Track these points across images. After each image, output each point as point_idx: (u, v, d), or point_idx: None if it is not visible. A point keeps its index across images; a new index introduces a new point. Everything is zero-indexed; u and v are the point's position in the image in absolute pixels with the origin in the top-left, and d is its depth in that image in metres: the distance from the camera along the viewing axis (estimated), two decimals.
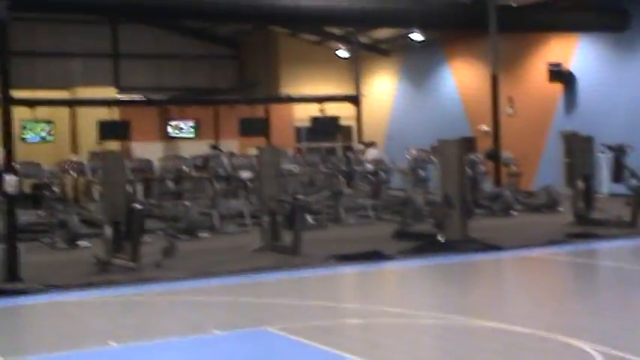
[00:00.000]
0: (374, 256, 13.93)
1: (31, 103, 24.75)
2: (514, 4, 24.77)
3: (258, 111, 29.18)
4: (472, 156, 21.53)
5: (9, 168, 12.55)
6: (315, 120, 29.09)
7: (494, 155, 22.45)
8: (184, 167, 20.03)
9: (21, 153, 15.44)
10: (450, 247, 14.47)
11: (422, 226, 16.60)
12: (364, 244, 14.93)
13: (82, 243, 16.22)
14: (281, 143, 26.35)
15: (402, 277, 13.29)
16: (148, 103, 29.29)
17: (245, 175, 20.09)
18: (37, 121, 25.68)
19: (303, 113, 30.46)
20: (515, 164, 23.03)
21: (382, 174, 21.94)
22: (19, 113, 19.86)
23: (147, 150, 26.30)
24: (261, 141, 26.70)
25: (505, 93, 24.85)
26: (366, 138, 28.80)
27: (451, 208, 14.83)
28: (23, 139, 24.93)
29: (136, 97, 29.73)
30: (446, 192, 14.99)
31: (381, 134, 31.62)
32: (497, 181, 22.03)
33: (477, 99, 27.37)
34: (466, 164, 16.83)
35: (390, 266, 13.69)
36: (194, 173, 20.32)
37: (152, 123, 29.10)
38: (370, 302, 10.66)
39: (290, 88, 32.52)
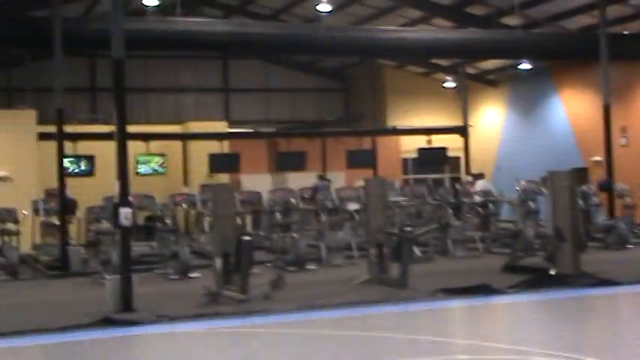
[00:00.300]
0: (483, 289, 13.70)
1: (145, 138, 25.44)
2: (625, 32, 24.18)
3: (365, 143, 29.24)
4: (584, 187, 21.02)
5: (124, 201, 12.91)
6: (422, 151, 28.96)
7: (607, 186, 21.86)
8: (292, 199, 20.20)
9: (135, 185, 15.85)
10: (562, 282, 14.10)
11: (532, 260, 16.22)
12: (473, 277, 14.70)
13: (193, 274, 16.53)
14: (388, 175, 26.28)
15: (513, 312, 13.01)
16: (257, 135, 29.73)
17: (352, 206, 20.15)
18: (150, 154, 26.37)
19: (410, 145, 30.38)
20: (630, 196, 22.33)
21: (491, 206, 21.63)
22: (133, 147, 20.46)
23: (256, 182, 26.68)
24: (368, 173, 26.71)
25: (618, 122, 24.17)
26: (474, 169, 28.44)
27: (563, 240, 14.47)
28: (137, 172, 25.61)
29: (246, 130, 30.24)
30: (557, 224, 14.65)
31: (489, 165, 31.19)
32: (611, 213, 21.41)
33: (588, 129, 26.73)
34: (578, 196, 16.42)
35: (499, 301, 13.42)
36: (302, 205, 20.47)
37: (261, 155, 29.53)
38: (480, 338, 10.46)
39: (397, 120, 32.49)
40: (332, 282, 15.31)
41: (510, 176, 24.18)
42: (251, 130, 30.11)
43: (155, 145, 26.51)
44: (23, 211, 19.85)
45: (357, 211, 19.76)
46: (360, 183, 19.56)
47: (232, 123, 31.02)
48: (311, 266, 17.58)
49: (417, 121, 31.79)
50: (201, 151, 27.10)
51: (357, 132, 30.25)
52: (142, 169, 26.31)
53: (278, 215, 19.73)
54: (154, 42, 21.26)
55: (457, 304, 13.23)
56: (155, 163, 26.88)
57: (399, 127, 31.28)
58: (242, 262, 13.25)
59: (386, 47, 23.66)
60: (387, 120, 32.97)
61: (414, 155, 29.84)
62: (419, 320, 12.14)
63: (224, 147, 27.67)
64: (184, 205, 21.13)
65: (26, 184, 22.20)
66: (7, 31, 18.64)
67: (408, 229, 14.79)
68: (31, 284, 17.35)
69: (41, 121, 23.39)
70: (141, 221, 21.78)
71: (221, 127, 29.30)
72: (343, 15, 27.90)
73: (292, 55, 31.92)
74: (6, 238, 19.24)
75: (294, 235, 18.37)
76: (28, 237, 20.27)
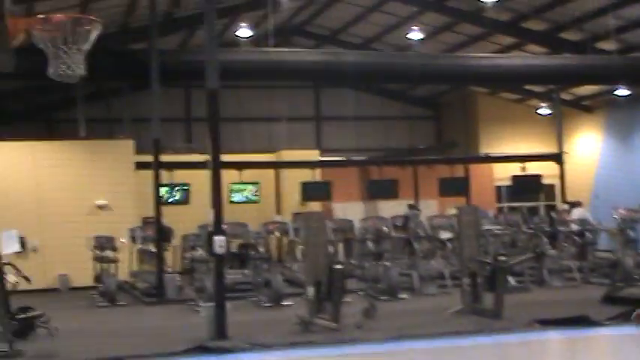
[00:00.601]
0: (581, 321, 13.33)
1: (238, 166, 25.76)
2: None
3: (458, 170, 28.95)
4: None
5: (218, 229, 13.08)
6: (516, 179, 28.52)
7: None
8: (384, 227, 20.12)
9: (229, 214, 16.04)
10: None
11: (632, 290, 15.74)
12: (570, 308, 14.35)
13: (286, 302, 16.60)
14: (481, 203, 25.97)
15: (612, 345, 12.63)
16: (349, 163, 29.79)
17: (445, 235, 19.96)
18: (244, 183, 26.69)
19: (504, 172, 29.96)
20: None
21: (588, 234, 21.13)
22: (227, 176, 20.75)
23: (347, 210, 26.71)
24: (460, 200, 26.44)
25: None
26: (570, 197, 27.82)
27: None
28: (231, 200, 25.92)
29: (337, 158, 30.35)
30: None
31: (585, 193, 30.46)
32: None
33: None
34: None
35: (598, 333, 13.05)
36: (394, 233, 20.38)
37: (353, 183, 29.56)
38: None
39: (490, 147, 32.12)
40: (424, 311, 15.17)
41: (608, 204, 23.55)
42: (343, 159, 30.20)
43: (248, 174, 26.82)
44: (121, 239, 20.33)
45: (449, 239, 19.56)
46: (453, 211, 19.39)
47: (324, 151, 31.19)
48: (403, 295, 17.46)
49: (511, 148, 31.36)
50: (294, 179, 27.28)
51: (449, 159, 29.96)
52: (236, 197, 26.60)
53: (370, 243, 19.67)
54: (247, 72, 21.56)
55: (554, 336, 12.92)
56: (248, 191, 27.17)
57: (492, 155, 30.90)
58: (334, 290, 13.25)
59: (478, 74, 23.45)
60: (480, 147, 32.63)
61: (508, 183, 29.40)
62: (514, 352, 11.90)
63: (316, 175, 27.81)
64: (277, 234, 21.27)
65: (124, 212, 22.72)
66: (108, 64, 19.19)
67: (503, 258, 14.55)
68: (128, 311, 17.73)
69: (138, 150, 23.95)
70: (234, 249, 22.00)
71: (313, 155, 29.47)
72: (435, 42, 27.85)
73: (384, 83, 31.98)
74: (105, 266, 19.73)
75: (387, 263, 18.29)
76: (125, 264, 20.74)
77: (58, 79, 8.17)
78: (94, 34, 8.03)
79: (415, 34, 26.90)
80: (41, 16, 7.65)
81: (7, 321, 11.99)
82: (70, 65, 7.97)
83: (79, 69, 8.04)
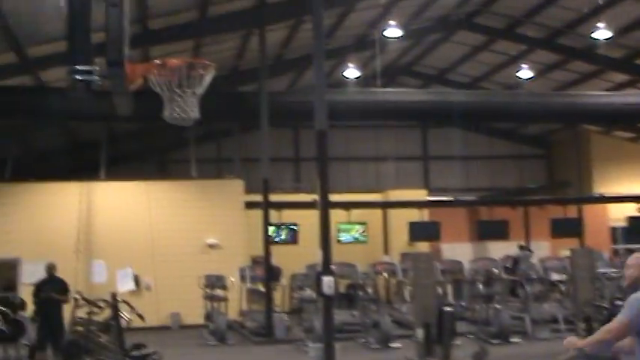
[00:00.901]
0: None
1: (346, 206, 25.81)
2: None
3: (570, 211, 28.27)
4: None
5: (327, 269, 13.08)
6: (632, 220, 27.62)
7: None
8: (494, 269, 19.76)
9: (336, 254, 16.06)
10: None
11: None
12: None
13: (394, 344, 16.43)
14: (595, 244, 25.24)
15: None
16: (457, 203, 29.49)
17: (557, 277, 19.46)
18: (351, 222, 26.72)
19: (619, 213, 29.06)
20: None
21: None
22: (335, 215, 20.84)
23: (456, 251, 26.39)
24: (573, 242, 25.77)
25: None
26: None
27: None
28: (339, 240, 25.97)
29: (446, 198, 30.08)
30: None
31: None
32: None
33: None
34: None
35: None
36: (504, 275, 19.99)
37: (461, 224, 29.23)
38: None
39: (603, 187, 31.23)
40: (537, 356, 14.76)
41: None
42: (451, 198, 29.91)
43: (356, 214, 26.85)
44: (231, 278, 20.58)
45: (562, 282, 19.04)
46: (566, 253, 18.90)
47: (432, 191, 30.96)
48: (515, 339, 17.03)
49: (626, 188, 30.40)
50: (402, 219, 27.14)
51: (561, 200, 29.30)
52: (344, 237, 26.66)
53: (480, 285, 19.34)
54: (355, 112, 21.71)
55: None
56: (356, 231, 27.18)
57: (606, 195, 30.04)
58: (444, 333, 13.06)
59: (591, 112, 22.97)
60: (594, 187, 31.77)
61: (624, 224, 28.50)
62: None
63: (424, 215, 27.61)
64: (385, 274, 21.17)
65: (234, 251, 23.01)
66: (219, 106, 19.63)
67: (620, 302, 14.05)
68: (238, 350, 17.88)
69: (248, 190, 24.29)
70: (342, 289, 21.98)
71: (421, 195, 29.30)
72: (545, 80, 27.43)
73: (492, 122, 31.61)
74: (215, 304, 19.99)
75: (497, 306, 17.91)
76: (235, 303, 20.96)
77: (173, 122, 8.38)
78: (208, 78, 8.22)
79: (525, 73, 26.57)
80: (158, 62, 7.89)
81: (121, 358, 12.26)
82: (185, 108, 8.17)
83: (193, 112, 8.23)
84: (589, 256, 15.71)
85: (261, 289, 20.04)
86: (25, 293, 17.39)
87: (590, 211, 29.57)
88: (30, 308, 16.04)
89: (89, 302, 14.73)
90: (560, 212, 27.54)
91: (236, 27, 20.39)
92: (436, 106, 22.21)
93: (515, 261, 21.62)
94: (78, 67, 5.50)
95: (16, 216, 22.51)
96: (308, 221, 21.19)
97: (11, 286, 21.61)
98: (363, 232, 27.38)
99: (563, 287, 19.19)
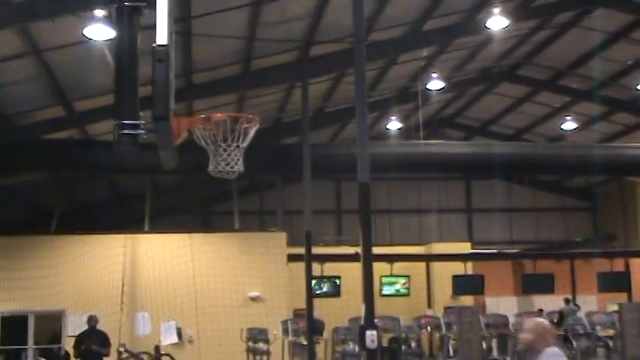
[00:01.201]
0: None
1: (389, 259, 25.66)
2: None
3: (618, 264, 27.79)
4: None
5: (370, 323, 12.95)
6: None
7: None
8: None
9: (379, 307, 15.91)
10: None
11: None
12: None
13: None
14: None
15: None
16: (502, 256, 29.17)
17: (605, 333, 19.08)
18: (394, 275, 26.53)
19: None
20: None
21: None
22: (378, 268, 20.72)
23: (500, 305, 26.04)
24: (621, 296, 25.29)
25: None
26: None
27: None
28: (382, 293, 25.76)
29: (490, 250, 29.79)
30: None
31: None
32: None
33: None
34: None
35: None
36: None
37: (506, 277, 28.89)
38: None
39: None
40: None
41: None
42: (495, 251, 29.62)
43: (399, 266, 26.67)
44: (273, 332, 20.48)
45: (611, 337, 18.65)
46: (614, 307, 18.54)
47: (476, 244, 30.71)
48: None
49: None
50: (445, 272, 26.89)
51: (608, 253, 28.81)
52: (387, 290, 26.46)
53: None
54: (397, 165, 21.71)
55: None
56: (399, 284, 26.98)
57: None
58: None
59: (636, 164, 22.73)
60: None
61: None
62: None
63: (468, 268, 27.34)
64: (428, 328, 20.91)
65: (276, 304, 22.92)
66: (262, 158, 19.77)
67: None
68: None
69: (290, 242, 24.29)
70: (385, 343, 21.75)
71: (464, 248, 29.05)
72: (589, 132, 27.24)
73: (536, 174, 31.39)
74: (257, 358, 19.86)
75: None
76: (277, 357, 20.82)
77: (218, 175, 8.44)
78: (252, 132, 8.29)
79: (568, 124, 26.43)
80: (203, 116, 7.99)
81: None
82: (229, 162, 8.24)
83: (238, 165, 8.29)
84: (638, 310, 15.37)
85: (304, 342, 19.90)
86: (70, 345, 17.48)
87: (638, 264, 29.05)
88: None
89: (133, 355, 14.75)
90: (606, 266, 27.06)
91: (279, 80, 20.61)
92: (479, 159, 22.14)
93: (562, 315, 21.25)
94: (124, 121, 5.57)
95: (61, 268, 22.71)
96: (350, 274, 21.10)
97: (56, 337, 21.76)
98: (406, 284, 27.16)
99: (610, 343, 18.78)
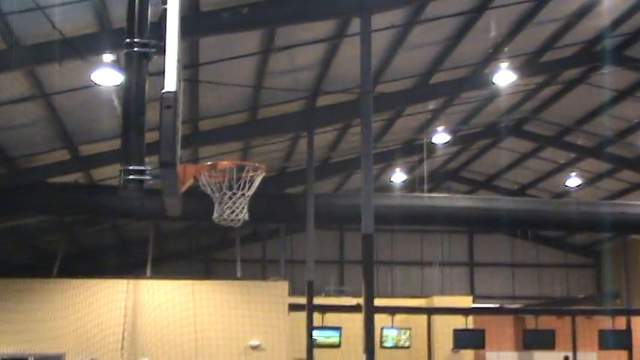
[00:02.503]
0: None
1: (391, 311, 25.50)
2: None
3: (619, 322, 27.59)
4: None
5: None
6: None
7: None
8: None
9: (379, 359, 15.82)
10: None
11: None
12: None
13: None
14: None
15: None
16: (503, 311, 28.99)
17: None
18: (395, 328, 26.34)
19: None
20: None
21: None
22: (379, 320, 20.61)
23: (502, 359, 25.79)
24: (622, 355, 25.07)
25: None
26: None
27: None
28: (382, 345, 25.56)
29: (491, 305, 29.62)
30: None
31: None
32: None
33: None
34: None
35: None
36: None
37: (507, 332, 28.66)
38: None
39: None
40: None
41: None
42: (497, 306, 29.46)
43: (400, 318, 26.50)
44: None
45: None
46: None
47: (477, 298, 30.56)
48: None
49: None
50: (446, 325, 26.70)
51: (610, 311, 28.66)
52: (388, 342, 26.25)
53: None
54: (401, 217, 21.70)
55: None
56: (399, 337, 26.76)
57: None
58: None
59: (638, 223, 22.70)
60: None
61: None
62: None
63: (469, 322, 27.16)
64: None
65: (277, 353, 22.74)
66: (266, 207, 19.77)
67: None
68: None
69: (291, 292, 24.18)
70: None
71: (466, 302, 28.89)
72: (594, 189, 27.26)
73: (540, 230, 31.35)
74: None
75: None
76: None
77: (222, 223, 8.45)
78: (258, 180, 8.31)
79: (573, 181, 26.47)
80: (209, 163, 8.00)
81: None
82: (234, 210, 8.25)
83: (242, 214, 8.30)
84: None
85: None
86: None
87: (639, 323, 28.84)
88: None
89: None
90: (608, 323, 26.89)
91: (286, 129, 20.71)
92: (482, 213, 22.13)
93: None
94: (130, 166, 5.58)
95: (62, 312, 22.61)
96: (351, 325, 20.97)
97: None
98: (407, 337, 26.95)
99: None
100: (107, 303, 22.87)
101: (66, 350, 21.88)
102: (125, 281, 23.18)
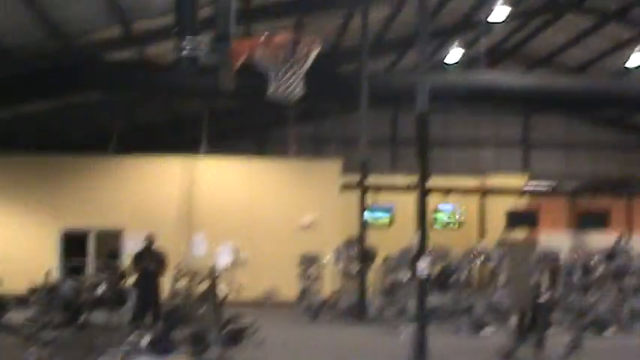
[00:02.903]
0: None
1: (444, 191, 25.57)
2: None
3: None
4: None
5: (423, 252, 13.02)
6: None
7: None
8: (592, 260, 19.28)
9: (432, 238, 15.95)
10: None
11: None
12: None
13: (485, 331, 16.25)
14: None
15: None
16: (557, 192, 28.87)
17: None
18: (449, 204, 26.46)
19: None
20: None
21: None
22: (432, 200, 20.70)
23: (554, 240, 25.80)
24: None
25: None
26: None
27: None
28: (434, 224, 25.77)
29: (545, 185, 29.47)
30: None
31: None
32: None
33: None
34: None
35: None
36: (602, 266, 19.48)
37: (560, 212, 28.58)
38: None
39: None
40: (633, 349, 14.38)
41: None
42: (551, 186, 29.31)
43: (453, 198, 26.61)
44: (326, 258, 20.68)
45: None
46: None
47: (532, 177, 30.39)
48: (611, 330, 16.62)
49: None
50: (499, 205, 26.76)
51: None
52: (440, 221, 26.47)
53: (576, 276, 18.90)
54: (457, 95, 21.44)
55: None
56: (452, 216, 26.94)
57: None
58: (538, 322, 12.84)
59: None
60: None
61: None
62: None
63: (523, 202, 27.15)
64: (479, 261, 20.89)
65: (329, 232, 23.04)
66: (319, 85, 19.54)
67: None
68: (330, 328, 17.98)
69: (344, 171, 24.28)
70: (435, 274, 21.80)
71: (520, 181, 28.78)
72: None
73: (598, 109, 30.75)
74: (309, 283, 20.13)
75: (593, 297, 17.49)
76: (329, 283, 21.07)
77: (277, 100, 8.38)
78: (313, 55, 8.20)
79: (633, 61, 25.73)
80: (263, 38, 7.88)
81: (218, 329, 12.51)
82: (289, 86, 8.18)
83: (298, 90, 8.23)
84: None
85: (355, 269, 20.07)
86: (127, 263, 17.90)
87: None
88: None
89: (189, 274, 15.05)
90: None
91: (339, 4, 20.35)
92: (540, 92, 21.79)
93: (614, 252, 21.03)
94: (184, 42, 5.54)
95: (119, 188, 23.14)
96: (404, 205, 21.05)
97: (115, 254, 22.31)
98: (459, 217, 27.11)
99: None
100: (163, 180, 23.33)
101: (124, 225, 22.51)
102: (181, 159, 23.54)
